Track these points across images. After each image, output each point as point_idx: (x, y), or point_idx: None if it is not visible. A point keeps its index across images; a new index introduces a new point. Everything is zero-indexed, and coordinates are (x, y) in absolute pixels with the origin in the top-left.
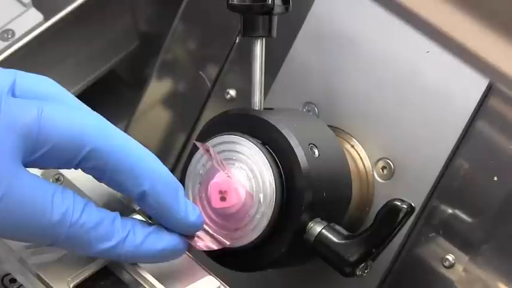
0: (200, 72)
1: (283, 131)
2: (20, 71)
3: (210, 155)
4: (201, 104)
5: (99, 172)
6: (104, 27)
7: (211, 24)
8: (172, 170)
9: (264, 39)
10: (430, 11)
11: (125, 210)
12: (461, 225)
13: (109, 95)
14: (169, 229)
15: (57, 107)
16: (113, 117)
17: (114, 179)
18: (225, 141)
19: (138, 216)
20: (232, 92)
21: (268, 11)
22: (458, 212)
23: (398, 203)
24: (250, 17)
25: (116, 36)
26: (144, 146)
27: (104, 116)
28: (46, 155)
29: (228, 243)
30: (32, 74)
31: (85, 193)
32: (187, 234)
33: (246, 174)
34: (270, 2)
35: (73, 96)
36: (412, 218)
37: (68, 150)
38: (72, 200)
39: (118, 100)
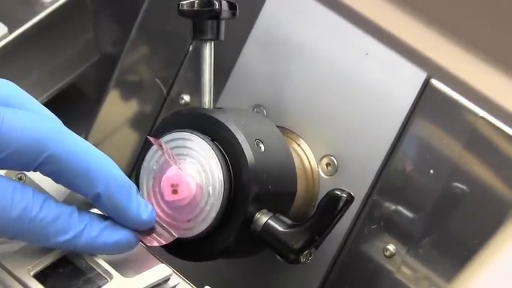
0: (156, 79)
1: (230, 128)
2: None
3: (163, 149)
4: (157, 109)
5: (56, 175)
6: (67, 40)
7: (167, 33)
8: (131, 172)
9: (212, 42)
10: (370, 10)
11: (85, 204)
12: (400, 218)
13: (71, 108)
14: None
15: (18, 113)
16: (74, 129)
17: (71, 182)
18: (177, 137)
19: (96, 210)
20: (186, 98)
21: (216, 16)
22: (397, 205)
23: (338, 193)
24: (199, 21)
25: (78, 49)
26: (102, 151)
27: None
28: (4, 159)
29: (176, 236)
30: None
31: (45, 189)
32: (140, 230)
33: (196, 168)
34: (217, 7)
35: (34, 99)
36: (355, 210)
37: (27, 155)
38: (32, 196)
39: (80, 112)
